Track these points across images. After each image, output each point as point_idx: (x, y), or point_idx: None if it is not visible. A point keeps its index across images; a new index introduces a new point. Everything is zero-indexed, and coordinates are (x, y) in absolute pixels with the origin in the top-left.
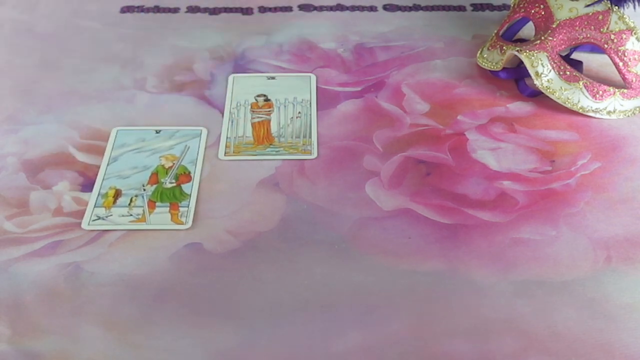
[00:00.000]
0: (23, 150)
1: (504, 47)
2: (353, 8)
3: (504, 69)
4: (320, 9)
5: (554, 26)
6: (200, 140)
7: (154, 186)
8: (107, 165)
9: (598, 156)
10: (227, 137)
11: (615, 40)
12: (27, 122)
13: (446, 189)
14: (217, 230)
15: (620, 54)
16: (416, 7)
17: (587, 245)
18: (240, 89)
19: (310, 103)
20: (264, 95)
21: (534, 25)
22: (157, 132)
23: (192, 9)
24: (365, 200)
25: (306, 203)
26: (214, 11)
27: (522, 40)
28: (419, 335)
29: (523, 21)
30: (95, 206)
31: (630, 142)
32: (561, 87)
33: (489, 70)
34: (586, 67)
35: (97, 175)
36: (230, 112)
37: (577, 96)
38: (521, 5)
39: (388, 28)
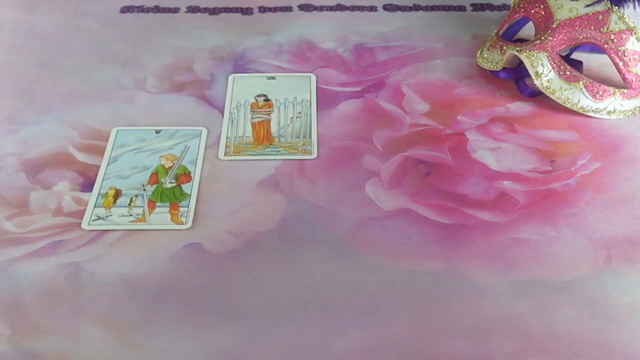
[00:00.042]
0: (23, 150)
1: (504, 47)
2: (353, 8)
3: (504, 69)
4: (320, 9)
5: (554, 26)
6: (200, 140)
7: (154, 186)
8: (107, 165)
9: (598, 156)
10: (227, 137)
11: (615, 40)
12: (27, 122)
13: (446, 189)
14: (217, 230)
15: (620, 54)
16: (416, 7)
17: (587, 245)
18: (240, 89)
19: (310, 103)
20: (264, 95)
21: (534, 25)
22: (157, 132)
23: (192, 9)
24: (365, 200)
25: (306, 203)
26: (214, 11)
27: (522, 40)
28: (419, 335)
29: (523, 21)
30: (95, 206)
31: (630, 142)
32: (561, 87)
33: (489, 70)
34: (586, 67)
35: (97, 175)
36: (230, 112)
37: (577, 96)
38: (521, 5)
39: (388, 28)
